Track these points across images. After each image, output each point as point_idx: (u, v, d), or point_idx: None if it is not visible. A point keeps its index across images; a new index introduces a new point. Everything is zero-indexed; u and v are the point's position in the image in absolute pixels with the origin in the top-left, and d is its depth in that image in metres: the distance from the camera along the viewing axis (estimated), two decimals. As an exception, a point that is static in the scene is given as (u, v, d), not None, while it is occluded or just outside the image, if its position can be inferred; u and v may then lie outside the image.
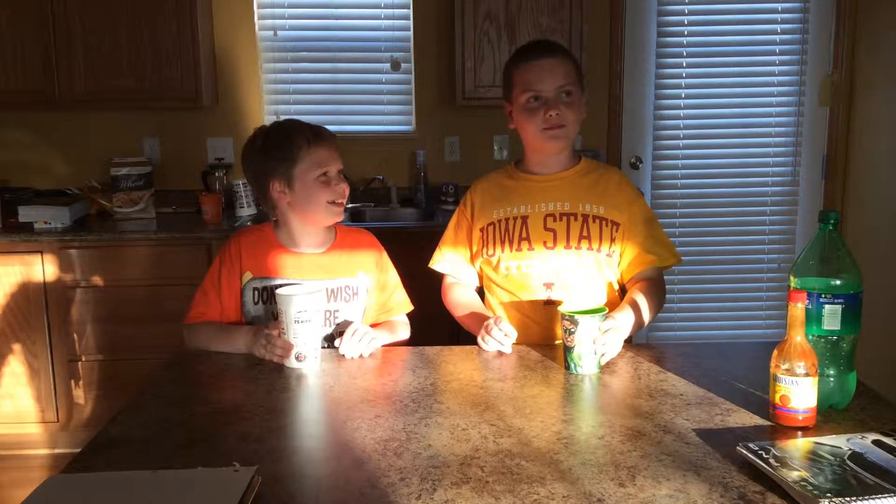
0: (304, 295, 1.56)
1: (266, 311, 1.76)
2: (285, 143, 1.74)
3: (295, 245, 1.81)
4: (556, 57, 1.79)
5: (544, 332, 1.81)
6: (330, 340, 1.76)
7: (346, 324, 1.74)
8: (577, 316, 1.52)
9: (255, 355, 1.63)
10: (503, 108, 1.89)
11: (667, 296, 1.89)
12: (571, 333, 1.53)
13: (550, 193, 1.84)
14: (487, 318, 1.73)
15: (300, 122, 1.80)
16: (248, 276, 1.77)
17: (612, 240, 1.81)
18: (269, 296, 1.75)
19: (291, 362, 1.56)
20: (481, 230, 1.88)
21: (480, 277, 1.96)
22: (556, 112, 1.76)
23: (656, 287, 1.82)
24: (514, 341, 1.67)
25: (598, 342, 1.53)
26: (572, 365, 1.55)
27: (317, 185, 1.74)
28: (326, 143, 1.76)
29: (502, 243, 1.83)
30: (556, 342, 1.78)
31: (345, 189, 1.78)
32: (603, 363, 1.57)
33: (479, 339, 1.69)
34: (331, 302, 1.78)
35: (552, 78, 1.77)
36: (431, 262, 1.97)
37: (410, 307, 1.93)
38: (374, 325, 1.83)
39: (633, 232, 1.83)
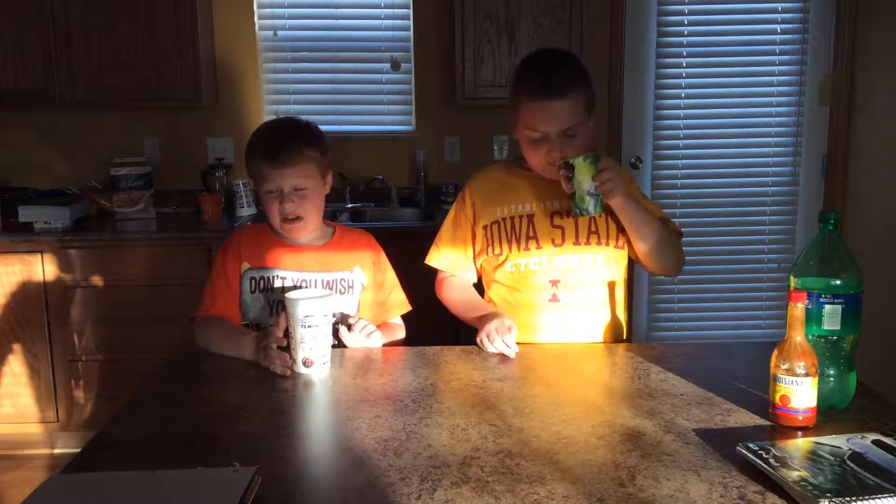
0: (311, 300, 1.53)
1: (264, 300, 1.76)
2: (249, 151, 1.78)
3: (292, 240, 1.82)
4: (566, 99, 1.71)
5: (549, 330, 1.81)
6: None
7: (345, 317, 1.75)
8: (571, 160, 1.65)
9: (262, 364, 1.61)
10: (507, 112, 1.86)
11: (666, 296, 1.89)
12: (570, 179, 1.66)
13: (555, 190, 1.81)
14: (491, 315, 1.71)
15: (273, 131, 1.79)
16: (245, 265, 1.78)
17: (620, 229, 1.81)
18: (266, 285, 1.76)
19: (299, 367, 1.54)
20: (484, 228, 1.87)
21: (479, 274, 1.96)
22: (559, 153, 1.74)
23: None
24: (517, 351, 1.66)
25: (597, 180, 1.65)
26: (577, 210, 1.68)
27: (267, 200, 1.76)
28: (277, 163, 1.71)
29: (509, 242, 1.83)
30: (560, 342, 1.78)
31: (291, 209, 1.74)
32: (606, 202, 1.69)
33: (479, 342, 1.68)
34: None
35: (557, 122, 1.72)
36: (428, 258, 1.96)
37: (408, 307, 1.93)
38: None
39: None
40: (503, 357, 1.64)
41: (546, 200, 1.84)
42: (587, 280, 1.82)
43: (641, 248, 1.79)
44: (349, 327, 1.71)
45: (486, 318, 1.71)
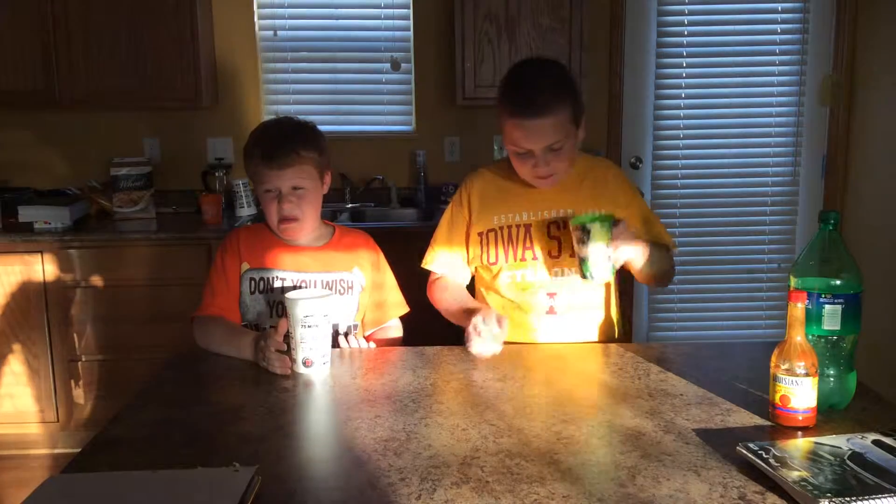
0: (311, 299, 1.53)
1: (264, 301, 1.76)
2: (247, 152, 1.78)
3: (291, 241, 1.82)
4: (549, 117, 1.67)
5: (544, 336, 1.80)
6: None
7: (340, 337, 1.76)
8: (587, 224, 1.58)
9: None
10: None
11: (666, 296, 1.89)
12: (584, 243, 1.59)
13: (552, 200, 1.81)
14: (480, 311, 1.65)
15: (270, 132, 1.79)
16: (245, 266, 1.78)
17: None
18: (266, 286, 1.76)
19: (299, 367, 1.53)
20: (480, 235, 1.86)
21: (474, 277, 1.95)
22: (545, 167, 1.73)
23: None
24: (505, 337, 1.61)
25: (611, 247, 1.59)
26: (588, 274, 1.62)
27: (265, 200, 1.76)
28: (274, 164, 1.71)
29: (505, 252, 1.81)
30: (559, 342, 1.78)
31: (289, 209, 1.73)
32: (617, 266, 1.65)
33: (466, 336, 1.63)
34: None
35: (541, 140, 1.69)
36: (424, 262, 1.94)
37: (406, 308, 1.92)
38: (369, 336, 1.86)
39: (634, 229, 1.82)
40: (503, 357, 1.62)
41: (543, 210, 1.82)
42: (583, 288, 1.80)
43: (634, 266, 1.77)
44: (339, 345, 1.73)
45: (473, 313, 1.66)
